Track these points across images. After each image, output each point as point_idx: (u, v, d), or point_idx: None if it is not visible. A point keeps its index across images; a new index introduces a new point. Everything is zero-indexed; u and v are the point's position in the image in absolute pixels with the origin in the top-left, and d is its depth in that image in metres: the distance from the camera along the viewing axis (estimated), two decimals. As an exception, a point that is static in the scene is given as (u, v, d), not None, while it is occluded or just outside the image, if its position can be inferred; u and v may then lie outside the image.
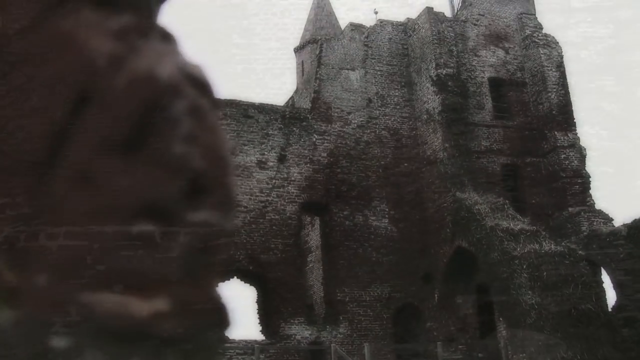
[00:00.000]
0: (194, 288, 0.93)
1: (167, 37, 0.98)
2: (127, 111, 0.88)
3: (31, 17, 0.91)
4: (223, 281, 29.24)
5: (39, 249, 0.88)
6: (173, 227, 0.91)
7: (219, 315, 1.02)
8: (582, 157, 33.80)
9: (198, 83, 0.96)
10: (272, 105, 32.71)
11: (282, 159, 31.06)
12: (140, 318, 0.93)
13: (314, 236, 35.60)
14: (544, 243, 26.93)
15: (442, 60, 33.54)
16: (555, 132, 33.91)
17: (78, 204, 0.85)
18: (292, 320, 29.54)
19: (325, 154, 32.08)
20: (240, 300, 37.78)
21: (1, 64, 0.94)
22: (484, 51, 35.47)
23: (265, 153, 30.86)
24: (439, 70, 33.25)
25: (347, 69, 34.01)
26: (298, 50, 48.10)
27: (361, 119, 33.37)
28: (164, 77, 0.92)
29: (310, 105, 33.20)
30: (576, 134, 34.31)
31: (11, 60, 0.95)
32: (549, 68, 35.05)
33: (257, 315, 30.55)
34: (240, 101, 31.37)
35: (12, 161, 0.92)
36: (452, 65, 33.70)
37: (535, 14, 37.10)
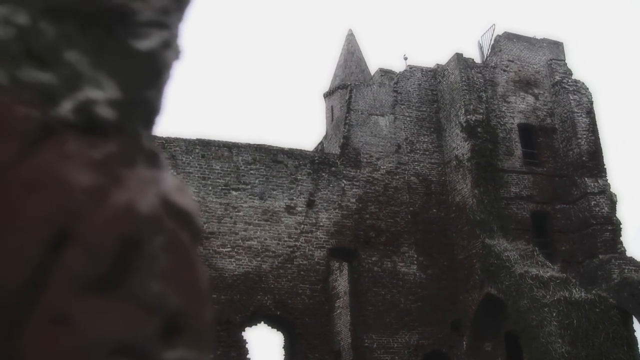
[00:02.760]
0: None
1: (153, 160, 0.99)
2: (105, 248, 0.89)
3: (10, 155, 0.92)
4: (250, 326, 29.26)
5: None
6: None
7: None
8: (612, 203, 33.57)
9: (180, 213, 0.97)
10: (301, 150, 32.79)
11: (310, 204, 31.09)
12: None
13: (342, 282, 35.55)
14: (574, 291, 26.75)
15: (471, 106, 33.55)
16: (585, 179, 33.73)
17: (52, 346, 0.86)
18: (319, 367, 29.41)
19: (354, 200, 32.08)
20: (267, 346, 37.73)
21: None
22: (514, 97, 35.44)
23: (294, 198, 30.90)
24: (468, 116, 33.26)
25: (377, 115, 34.08)
26: (327, 95, 48.29)
27: (390, 165, 33.37)
28: (143, 211, 0.92)
29: (339, 150, 33.26)
30: (606, 180, 34.12)
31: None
32: (578, 114, 34.96)
33: (284, 361, 30.51)
34: (269, 146, 31.53)
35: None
36: (481, 111, 33.70)
37: (565, 60, 37.05)
